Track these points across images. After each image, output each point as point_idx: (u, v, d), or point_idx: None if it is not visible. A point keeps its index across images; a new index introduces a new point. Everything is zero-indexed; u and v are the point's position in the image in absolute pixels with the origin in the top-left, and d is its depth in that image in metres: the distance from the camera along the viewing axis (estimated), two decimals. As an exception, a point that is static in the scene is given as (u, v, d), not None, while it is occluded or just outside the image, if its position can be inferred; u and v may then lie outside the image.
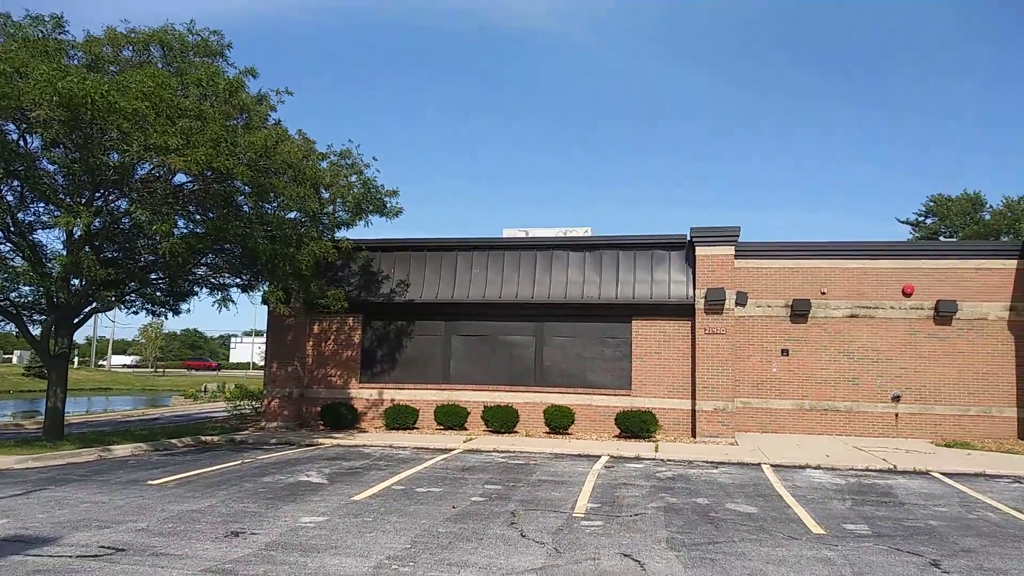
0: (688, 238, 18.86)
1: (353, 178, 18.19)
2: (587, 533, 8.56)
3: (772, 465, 14.27)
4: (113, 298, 16.24)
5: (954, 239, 44.59)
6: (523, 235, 21.27)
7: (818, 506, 10.42)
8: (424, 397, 19.75)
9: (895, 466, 14.08)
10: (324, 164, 17.85)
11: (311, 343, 20.69)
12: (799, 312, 19.63)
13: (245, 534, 8.19)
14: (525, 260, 19.91)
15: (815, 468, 14.13)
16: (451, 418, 18.76)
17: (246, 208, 16.29)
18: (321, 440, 16.96)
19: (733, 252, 18.60)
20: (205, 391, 44.28)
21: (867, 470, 13.94)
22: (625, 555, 7.62)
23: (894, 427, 19.05)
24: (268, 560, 7.17)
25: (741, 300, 19.36)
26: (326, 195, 17.81)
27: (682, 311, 18.70)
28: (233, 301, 17.79)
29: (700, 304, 18.39)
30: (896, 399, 19.10)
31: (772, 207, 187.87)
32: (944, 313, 18.95)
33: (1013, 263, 19.05)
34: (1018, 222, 43.56)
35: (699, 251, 18.58)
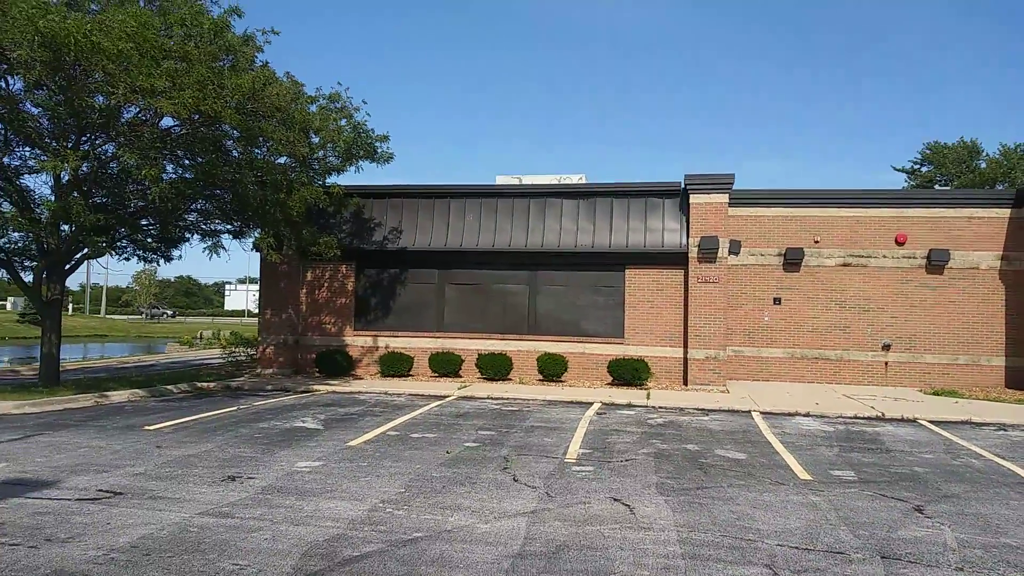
0: (682, 185, 18.74)
1: (343, 122, 17.89)
2: (578, 478, 8.70)
3: (762, 412, 14.47)
4: (104, 244, 16.11)
5: (948, 188, 44.46)
6: (516, 182, 21.09)
7: (806, 452, 10.60)
8: (418, 345, 19.85)
9: (883, 414, 14.29)
10: (313, 108, 17.53)
11: (305, 290, 20.68)
12: (792, 260, 19.66)
13: (242, 478, 8.30)
14: (519, 208, 19.79)
15: (804, 415, 14.33)
16: (445, 366, 18.89)
17: (235, 153, 16.06)
18: (316, 387, 17.08)
19: (727, 200, 18.52)
20: (200, 338, 44.40)
21: (855, 417, 14.16)
22: (615, 499, 7.76)
23: (883, 375, 19.28)
24: (264, 503, 7.28)
25: (735, 248, 19.36)
26: (316, 140, 17.55)
27: (675, 259, 18.69)
28: (224, 247, 17.69)
29: (693, 252, 18.38)
30: (886, 348, 19.29)
31: (768, 155, 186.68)
32: (936, 262, 19.00)
33: (1007, 212, 19.03)
34: (1013, 171, 43.36)
35: (693, 198, 18.49)
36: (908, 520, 7.23)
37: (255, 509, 7.09)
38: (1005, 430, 13.08)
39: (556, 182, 20.72)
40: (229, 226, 18.24)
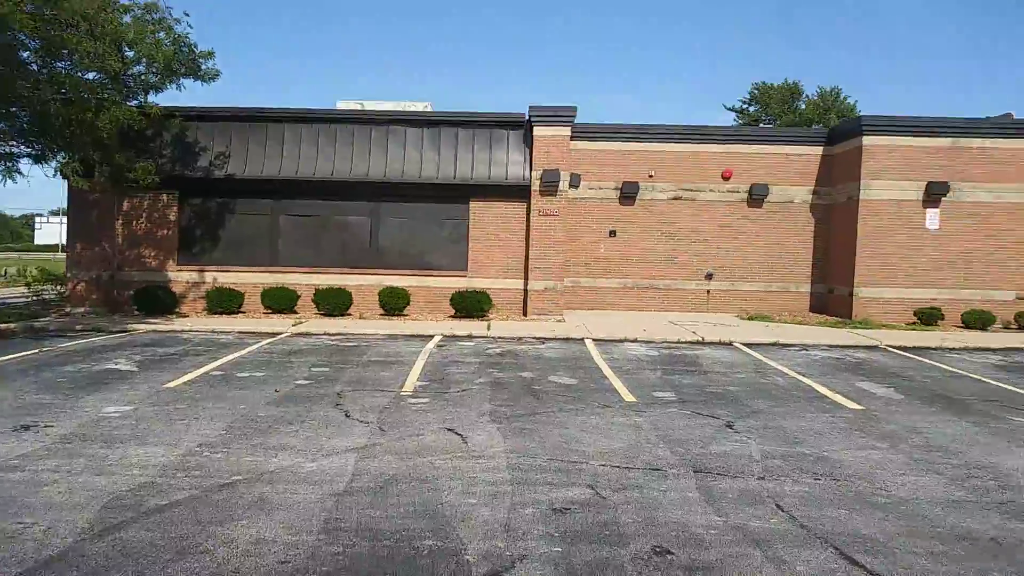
0: (527, 117, 18.69)
1: (161, 35, 16.21)
2: (413, 410, 8.63)
3: (594, 340, 15.04)
4: None
5: (772, 126, 47.54)
6: (358, 108, 20.20)
7: (632, 376, 11.13)
8: (251, 280, 18.81)
9: (703, 338, 15.27)
10: (127, 18, 15.77)
11: (121, 222, 18.90)
12: (628, 194, 20.31)
13: (38, 427, 7.53)
14: (360, 135, 18.98)
15: (632, 341, 15.05)
16: (280, 301, 18.07)
17: (33, 66, 14.24)
18: (135, 326, 15.85)
19: (570, 133, 18.70)
20: (4, 275, 40.04)
21: (678, 342, 15.04)
22: (449, 429, 7.77)
23: (706, 303, 20.60)
24: (62, 453, 6.64)
25: (575, 182, 19.71)
26: (130, 54, 15.84)
27: (519, 192, 18.76)
28: (21, 173, 15.87)
29: (536, 185, 18.51)
30: (709, 277, 20.56)
31: (608, 92, 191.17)
32: (757, 196, 20.31)
33: (819, 150, 20.57)
34: (828, 112, 47.01)
35: (537, 131, 18.51)
36: (720, 436, 7.77)
37: (50, 460, 6.45)
38: (807, 350, 14.38)
39: (400, 108, 20.03)
40: (28, 149, 16.24)
